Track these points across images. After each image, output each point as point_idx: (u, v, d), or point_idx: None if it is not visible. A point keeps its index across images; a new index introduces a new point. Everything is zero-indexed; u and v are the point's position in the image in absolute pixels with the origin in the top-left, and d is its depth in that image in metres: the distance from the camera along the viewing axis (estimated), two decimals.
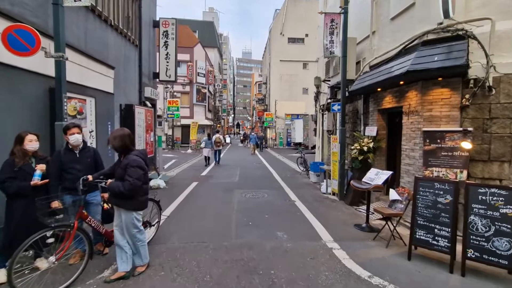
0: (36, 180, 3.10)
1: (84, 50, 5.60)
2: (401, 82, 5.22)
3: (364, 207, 5.91)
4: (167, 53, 10.50)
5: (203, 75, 29.97)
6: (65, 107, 4.18)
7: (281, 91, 31.82)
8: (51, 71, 4.17)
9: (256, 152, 22.09)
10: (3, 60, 3.69)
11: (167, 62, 10.55)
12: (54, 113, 4.53)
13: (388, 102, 5.92)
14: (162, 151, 11.56)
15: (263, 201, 6.80)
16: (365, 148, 6.22)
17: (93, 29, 6.16)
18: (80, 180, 3.05)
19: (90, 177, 3.12)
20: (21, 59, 3.74)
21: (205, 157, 14.52)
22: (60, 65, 4.00)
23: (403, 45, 5.34)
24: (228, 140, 35.17)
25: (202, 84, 30.05)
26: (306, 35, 31.52)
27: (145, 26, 9.59)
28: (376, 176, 4.83)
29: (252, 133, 27.48)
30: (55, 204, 3.05)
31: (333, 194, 7.28)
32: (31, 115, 4.26)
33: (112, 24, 7.04)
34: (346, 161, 7.07)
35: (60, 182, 3.34)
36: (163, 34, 10.43)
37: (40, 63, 4.17)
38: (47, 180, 3.21)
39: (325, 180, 7.87)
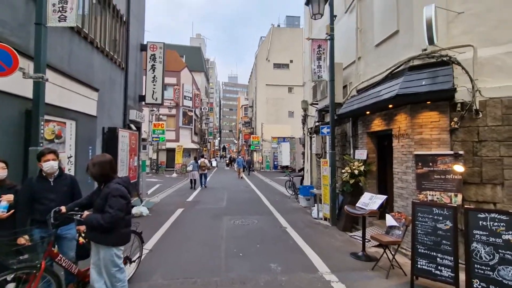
0: (0, 212, 2.73)
1: (67, 71, 5.38)
2: (390, 106, 5.28)
3: (358, 232, 5.72)
4: (154, 76, 10.40)
5: (189, 99, 30.01)
6: (42, 131, 3.88)
7: (267, 114, 32.26)
8: (29, 92, 3.90)
9: (243, 175, 21.73)
10: None
11: (154, 85, 10.42)
12: (29, 137, 4.21)
13: (377, 125, 5.96)
14: (146, 175, 11.09)
15: (253, 228, 6.46)
16: (356, 172, 6.15)
17: (78, 51, 5.98)
18: (51, 212, 2.71)
19: (63, 209, 2.79)
20: None
21: (191, 180, 14.29)
22: (39, 87, 3.76)
23: (390, 70, 5.47)
24: (214, 163, 34.71)
25: (189, 107, 30.00)
26: (291, 61, 32.71)
27: (133, 49, 9.53)
28: (370, 200, 4.70)
29: (239, 157, 27.26)
30: (22, 240, 2.67)
31: (325, 219, 7.07)
32: (3, 140, 3.92)
33: (98, 46, 6.90)
34: (336, 184, 6.95)
35: (30, 214, 2.98)
36: (150, 58, 10.38)
37: (17, 84, 3.89)
38: (12, 211, 2.84)
39: (316, 205, 7.67)
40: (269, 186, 15.58)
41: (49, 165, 3.00)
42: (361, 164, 6.20)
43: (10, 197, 2.84)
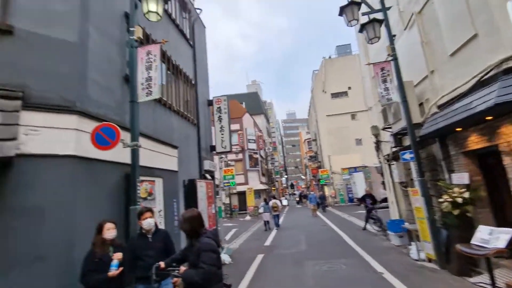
0: (113, 270, 3.03)
1: (153, 135, 6.20)
2: (489, 118, 4.47)
3: (481, 277, 4.59)
4: (222, 126, 11.25)
5: (253, 141, 31.31)
6: (138, 191, 4.39)
7: (332, 145, 31.08)
8: (125, 158, 4.55)
9: (318, 212, 20.58)
10: (90, 155, 4.19)
11: (222, 134, 11.22)
12: (128, 198, 4.81)
13: (475, 142, 5.05)
14: (222, 221, 11.44)
15: (342, 275, 5.80)
16: (459, 200, 5.15)
17: (160, 116, 6.92)
18: (153, 268, 2.90)
19: (162, 264, 2.95)
20: (102, 152, 4.18)
21: (265, 222, 14.20)
22: (135, 153, 4.37)
23: (478, 78, 4.75)
24: (285, 202, 34.10)
25: (254, 149, 31.16)
26: (349, 87, 31.89)
27: (201, 106, 10.63)
28: (490, 236, 3.77)
29: (311, 193, 26.20)
30: None
31: (429, 260, 5.93)
32: (109, 202, 4.57)
33: (175, 109, 7.90)
34: (435, 217, 5.90)
35: (133, 270, 3.24)
36: (217, 110, 11.39)
37: (118, 153, 4.59)
38: (122, 268, 3.12)
39: (413, 243, 6.58)
40: (349, 223, 14.29)
41: (147, 223, 3.31)
42: (464, 189, 5.20)
43: (120, 255, 3.15)
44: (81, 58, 4.40)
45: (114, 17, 5.45)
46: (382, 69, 7.04)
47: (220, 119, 11.38)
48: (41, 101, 3.86)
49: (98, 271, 3.02)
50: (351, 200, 26.82)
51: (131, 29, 4.86)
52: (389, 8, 6.93)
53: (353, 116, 31.32)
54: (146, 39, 6.36)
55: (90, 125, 4.14)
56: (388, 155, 9.54)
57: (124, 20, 5.72)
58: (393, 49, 6.64)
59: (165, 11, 7.90)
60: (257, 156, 31.92)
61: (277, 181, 50.75)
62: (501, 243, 3.52)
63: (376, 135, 10.61)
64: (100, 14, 5.00)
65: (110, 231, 3.25)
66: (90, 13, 4.73)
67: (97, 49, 4.79)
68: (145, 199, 5.32)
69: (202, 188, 8.27)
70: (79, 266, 3.13)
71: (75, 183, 3.98)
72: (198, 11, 11.32)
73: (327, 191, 30.34)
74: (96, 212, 4.22)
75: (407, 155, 6.59)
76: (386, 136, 9.37)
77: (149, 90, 4.76)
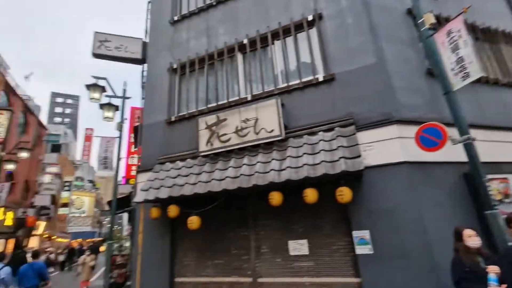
0: (494, 285, 2.57)
1: (483, 123, 5.02)
2: None
3: None
4: None
5: None
6: (490, 192, 3.59)
7: None
8: (457, 156, 3.95)
9: None
10: (418, 159, 4.19)
11: None
12: (476, 200, 4.12)
13: None
14: None
15: None
16: None
17: (486, 98, 5.53)
18: None
19: None
20: (431, 153, 3.98)
21: None
22: (470, 148, 3.71)
23: None
24: None
25: None
26: None
27: None
28: None
29: None
30: None
31: None
32: (452, 204, 4.18)
33: (504, 82, 5.95)
34: None
35: None
36: None
37: (447, 151, 4.14)
38: (505, 286, 2.56)
39: None
40: None
41: None
42: None
43: (497, 269, 2.63)
44: (383, 73, 4.78)
45: (397, 20, 5.46)
46: None
47: None
48: (365, 121, 4.60)
49: (469, 280, 2.73)
50: None
51: (419, 21, 4.54)
52: None
53: None
54: (438, 22, 5.62)
55: (410, 130, 4.18)
56: None
57: (407, 17, 5.55)
58: None
59: None
60: None
61: None
62: None
63: None
64: (385, 26, 5.23)
65: (472, 239, 2.87)
66: (377, 31, 5.10)
67: (393, 58, 4.97)
68: (500, 201, 4.25)
69: None
70: (442, 268, 3.12)
71: (413, 187, 4.13)
72: None
73: None
74: (441, 215, 4.05)
75: None
76: None
77: (465, 73, 4.00)
